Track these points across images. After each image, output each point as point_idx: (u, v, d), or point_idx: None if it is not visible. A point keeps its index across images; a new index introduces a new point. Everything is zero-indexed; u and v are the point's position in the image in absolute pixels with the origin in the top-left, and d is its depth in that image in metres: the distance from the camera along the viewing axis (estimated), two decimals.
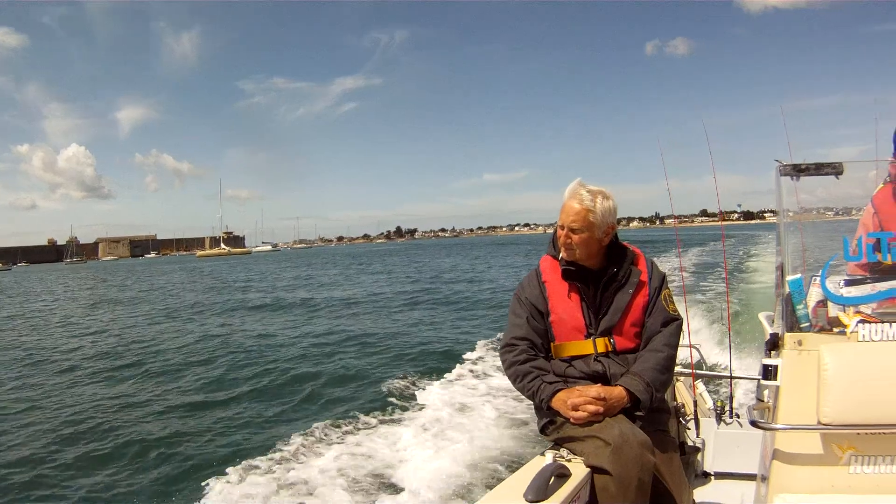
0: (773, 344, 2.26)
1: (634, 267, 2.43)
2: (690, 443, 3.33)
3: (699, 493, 3.30)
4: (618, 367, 2.36)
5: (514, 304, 2.50)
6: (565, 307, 2.40)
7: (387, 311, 19.36)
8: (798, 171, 2.25)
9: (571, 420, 2.27)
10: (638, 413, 2.31)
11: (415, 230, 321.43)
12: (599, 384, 2.33)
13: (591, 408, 2.23)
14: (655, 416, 2.39)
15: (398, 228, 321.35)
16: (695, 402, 3.58)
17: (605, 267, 2.41)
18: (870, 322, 2.17)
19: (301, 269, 49.63)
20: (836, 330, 2.20)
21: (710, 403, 3.94)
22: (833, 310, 2.22)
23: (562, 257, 2.42)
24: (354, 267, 50.30)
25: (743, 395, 5.20)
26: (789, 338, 2.19)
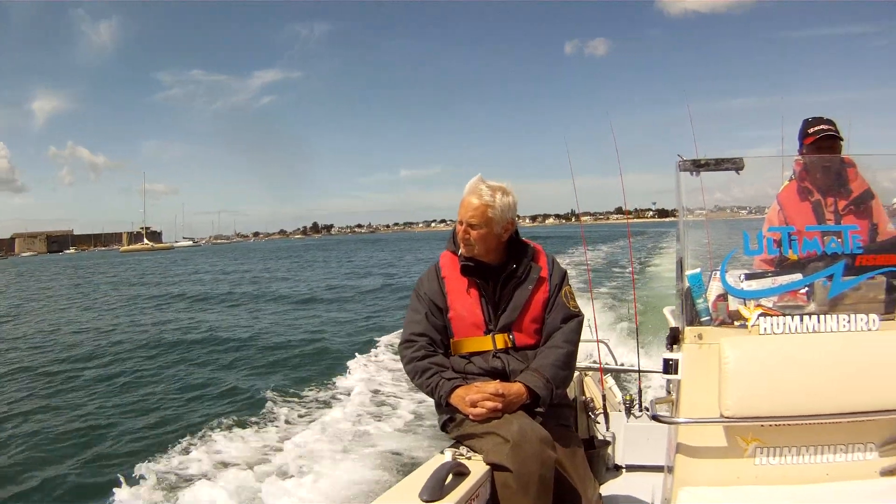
0: (674, 338, 2.23)
1: (534, 263, 2.41)
2: (600, 437, 3.37)
3: (610, 486, 3.32)
4: (517, 364, 2.33)
5: (413, 299, 2.45)
6: (464, 303, 2.36)
7: (292, 310, 19.02)
8: (698, 166, 2.22)
9: (470, 417, 2.23)
10: (538, 409, 2.28)
11: (331, 226, 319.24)
12: (498, 380, 2.29)
13: (490, 404, 2.19)
14: (557, 411, 2.37)
15: (315, 224, 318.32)
16: (603, 397, 3.60)
17: (504, 263, 2.38)
18: (771, 315, 2.15)
19: (252, 264, 48.77)
20: (736, 323, 2.18)
21: (619, 397, 3.97)
22: (734, 303, 2.20)
23: (461, 253, 2.37)
24: (289, 261, 50.26)
25: (658, 388, 5.32)
26: (689, 332, 2.16)
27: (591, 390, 3.81)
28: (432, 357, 2.33)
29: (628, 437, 3.60)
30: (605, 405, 3.56)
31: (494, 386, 2.23)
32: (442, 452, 2.22)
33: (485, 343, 2.34)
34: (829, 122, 2.59)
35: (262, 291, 24.78)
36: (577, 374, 3.67)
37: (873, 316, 2.19)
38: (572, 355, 2.37)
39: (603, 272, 20.61)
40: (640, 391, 3.56)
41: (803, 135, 2.61)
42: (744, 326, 2.16)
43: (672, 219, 2.27)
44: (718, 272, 2.20)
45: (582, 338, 3.39)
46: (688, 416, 2.12)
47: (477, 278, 2.35)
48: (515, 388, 2.24)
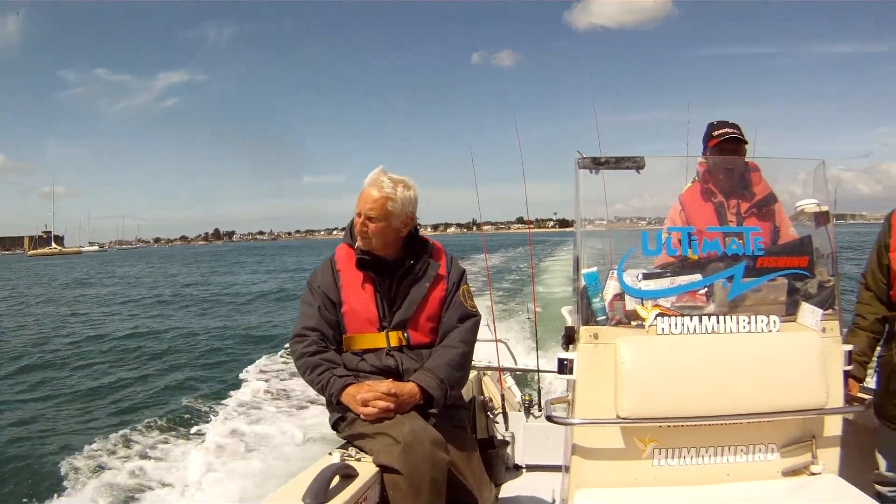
0: (569, 338, 2.18)
1: (433, 260, 2.35)
2: (500, 437, 3.33)
3: (511, 486, 3.30)
4: (411, 363, 2.26)
5: (306, 292, 2.37)
6: (358, 298, 2.29)
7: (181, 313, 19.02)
8: (597, 164, 2.19)
9: (361, 416, 2.16)
10: (432, 410, 2.21)
11: (233, 232, 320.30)
12: (391, 379, 2.22)
13: (382, 404, 2.12)
14: (452, 412, 2.31)
15: (216, 230, 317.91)
16: (502, 397, 3.56)
17: (402, 258, 2.31)
18: (669, 315, 2.11)
19: (189, 268, 48.49)
20: (634, 324, 2.14)
21: (518, 397, 3.94)
22: (631, 303, 2.15)
23: (358, 246, 2.30)
24: (210, 265, 50.60)
25: (561, 388, 5.30)
26: (585, 331, 2.10)
27: (490, 390, 3.77)
28: (324, 353, 2.25)
29: (528, 437, 3.57)
30: (503, 405, 3.52)
31: (387, 385, 2.16)
32: (330, 454, 2.14)
33: (378, 340, 2.27)
34: (734, 125, 2.58)
35: (214, 293, 25.17)
36: (475, 373, 3.64)
37: (774, 317, 2.17)
38: (468, 356, 2.31)
39: (503, 275, 21.28)
40: (539, 391, 3.53)
41: (708, 137, 2.60)
42: (641, 326, 2.12)
43: (572, 229, 2.24)
44: (615, 271, 2.15)
45: (481, 337, 3.35)
46: (583, 418, 2.08)
47: (373, 273, 2.28)
48: (408, 387, 2.18)
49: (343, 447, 2.21)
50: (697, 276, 2.18)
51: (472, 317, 2.35)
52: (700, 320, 2.11)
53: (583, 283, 2.13)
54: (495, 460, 3.23)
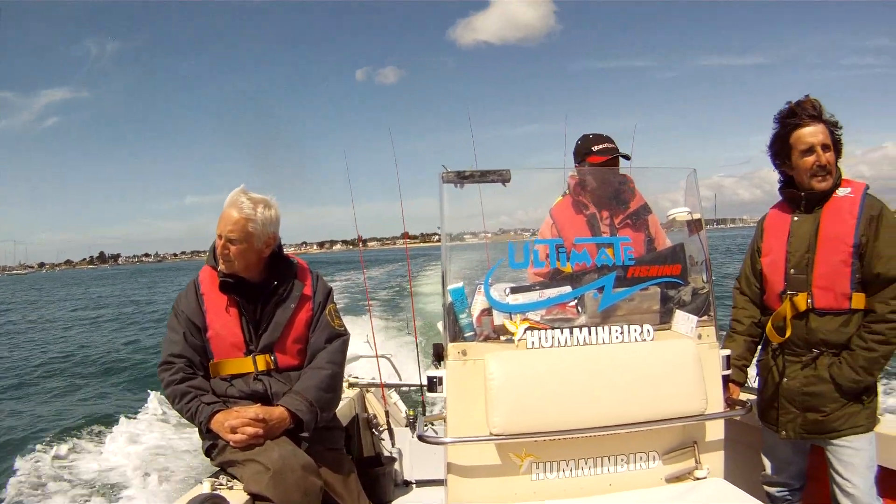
0: (438, 354, 2.14)
1: (297, 280, 2.31)
2: (387, 453, 3.31)
3: (401, 503, 3.27)
4: (280, 386, 2.22)
5: (171, 318, 2.31)
6: (223, 322, 2.24)
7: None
8: (462, 178, 2.16)
9: (231, 443, 2.10)
10: (303, 434, 2.17)
11: (118, 255, 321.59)
12: (260, 404, 2.18)
13: (250, 430, 2.08)
14: (325, 434, 2.28)
15: (101, 254, 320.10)
16: (387, 413, 3.52)
17: (266, 280, 2.27)
18: (538, 329, 2.09)
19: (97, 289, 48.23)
20: (503, 338, 2.10)
21: (404, 413, 3.87)
22: (499, 318, 2.12)
23: (221, 269, 2.25)
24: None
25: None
26: (453, 348, 2.07)
27: (374, 407, 3.72)
28: (191, 380, 2.20)
29: (415, 453, 3.53)
30: (388, 421, 3.48)
31: (255, 410, 2.11)
32: (201, 482, 2.10)
33: (245, 365, 2.22)
34: (609, 139, 2.56)
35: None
36: (358, 390, 3.61)
37: (647, 326, 2.15)
38: (337, 376, 2.27)
39: (388, 290, 21.46)
40: (423, 406, 3.50)
41: (585, 151, 2.54)
42: (510, 341, 2.08)
43: (459, 242, 2.21)
44: (482, 286, 2.12)
45: (364, 354, 3.30)
46: (455, 435, 2.04)
47: (237, 296, 2.24)
48: (277, 412, 2.13)
49: (215, 475, 2.17)
50: (567, 289, 2.16)
51: (339, 336, 2.32)
52: (571, 332, 2.09)
53: (449, 298, 2.09)
54: (383, 478, 3.19)
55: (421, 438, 2.09)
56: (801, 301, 2.17)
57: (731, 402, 2.33)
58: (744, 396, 2.48)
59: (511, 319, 2.11)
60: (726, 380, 2.30)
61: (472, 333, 2.10)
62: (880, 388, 2.32)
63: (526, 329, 2.08)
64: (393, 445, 3.46)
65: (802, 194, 2.22)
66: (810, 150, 2.16)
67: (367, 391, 3.73)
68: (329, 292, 2.37)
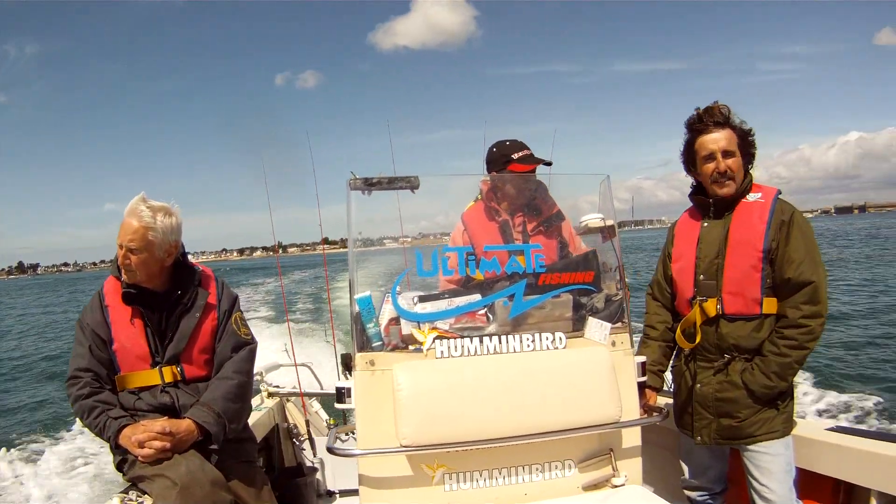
0: (346, 364, 2.12)
1: (202, 289, 2.27)
2: (309, 463, 3.27)
3: None
4: (188, 398, 2.18)
5: (77, 331, 2.27)
6: (128, 334, 2.20)
7: None
8: (369, 185, 2.14)
9: (139, 458, 2.07)
10: (212, 446, 2.14)
11: (37, 265, 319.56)
12: (167, 417, 2.14)
13: (158, 444, 2.04)
14: (236, 447, 2.24)
15: (20, 264, 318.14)
16: (307, 422, 3.49)
17: (170, 289, 2.23)
18: (447, 338, 2.06)
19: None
20: (411, 348, 2.08)
21: (325, 421, 3.88)
22: (407, 327, 2.09)
23: (123, 279, 2.21)
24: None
25: None
26: (360, 358, 2.04)
27: (295, 416, 3.68)
28: (98, 394, 2.15)
29: (337, 462, 3.48)
30: (309, 431, 3.46)
31: (161, 424, 2.07)
32: (111, 499, 2.07)
33: (152, 377, 2.19)
34: (526, 145, 2.52)
35: None
36: (278, 400, 3.56)
37: (559, 334, 2.13)
38: (245, 386, 2.24)
39: (308, 297, 21.32)
40: (344, 414, 3.47)
41: (506, 160, 2.48)
42: (419, 350, 2.06)
43: (371, 248, 2.18)
44: (390, 294, 2.09)
45: (283, 362, 3.25)
46: (365, 447, 2.01)
47: (141, 307, 2.20)
48: (185, 425, 2.10)
49: (126, 490, 2.13)
50: (477, 297, 2.14)
51: (246, 345, 2.29)
52: (481, 341, 2.07)
53: (356, 308, 2.06)
54: (304, 488, 3.16)
55: (330, 451, 2.06)
56: (711, 307, 2.16)
57: (648, 409, 2.32)
58: (662, 401, 2.47)
59: (419, 328, 2.08)
60: (643, 386, 2.30)
61: (379, 343, 2.08)
62: (797, 392, 2.32)
63: (434, 338, 2.06)
64: (315, 455, 3.43)
65: (711, 200, 2.21)
66: (711, 156, 2.16)
67: (288, 400, 3.69)
68: (234, 300, 2.33)
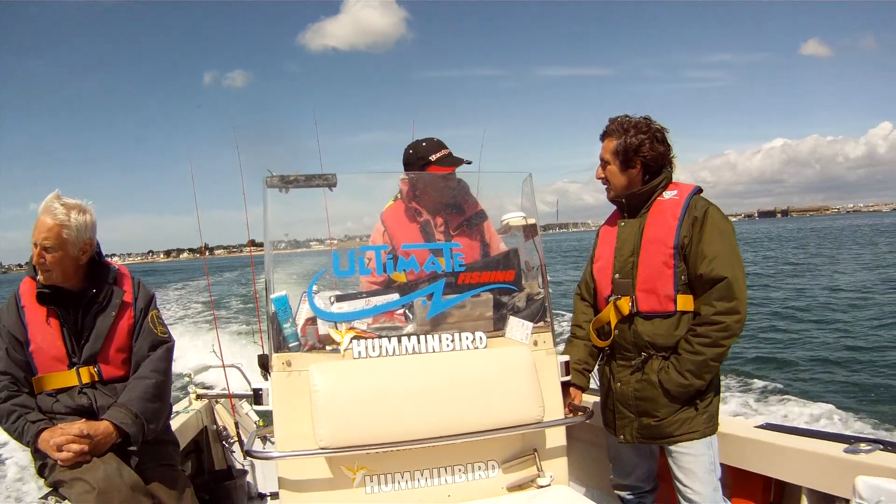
0: (263, 365, 2.12)
1: (117, 287, 2.25)
2: (239, 466, 3.23)
3: None
4: (106, 399, 2.16)
5: None
6: (45, 335, 2.17)
7: None
8: (286, 182, 2.13)
9: (58, 462, 2.05)
10: (131, 448, 2.12)
11: None
12: (84, 419, 2.11)
13: (76, 447, 2.02)
14: (157, 450, 2.22)
15: None
16: (237, 424, 3.44)
17: (85, 288, 2.21)
18: (365, 338, 2.05)
19: None
20: (328, 348, 2.06)
21: (255, 423, 3.80)
22: (324, 327, 2.08)
23: (39, 279, 2.19)
24: None
25: None
26: (277, 359, 2.02)
27: (224, 418, 3.65)
28: (16, 398, 2.12)
29: (268, 464, 3.42)
30: (238, 433, 3.41)
31: (79, 427, 2.05)
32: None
33: (70, 378, 2.16)
34: (444, 144, 2.51)
35: None
36: (206, 402, 3.53)
37: (480, 333, 2.13)
38: (163, 385, 2.22)
39: (238, 298, 21.21)
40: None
41: (425, 162, 2.46)
42: (336, 351, 2.04)
43: (305, 249, 2.16)
44: (306, 294, 2.07)
45: (212, 364, 3.21)
46: (283, 450, 1.99)
47: (56, 306, 2.18)
48: (102, 427, 2.07)
49: (46, 496, 2.11)
50: (395, 296, 2.13)
51: (163, 343, 2.27)
52: (399, 341, 2.06)
53: (272, 308, 2.04)
54: (234, 491, 3.13)
55: (248, 454, 2.04)
56: (625, 305, 2.16)
57: (574, 408, 2.30)
58: (592, 400, 2.46)
59: (336, 328, 2.07)
60: (567, 385, 2.29)
61: (296, 343, 2.06)
62: (721, 390, 2.30)
63: (352, 338, 2.05)
64: (245, 458, 3.38)
65: (623, 201, 2.23)
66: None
67: (217, 402, 3.65)
68: (151, 298, 2.31)
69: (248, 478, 3.32)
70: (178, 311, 19.42)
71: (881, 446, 2.03)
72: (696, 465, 2.12)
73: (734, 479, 2.36)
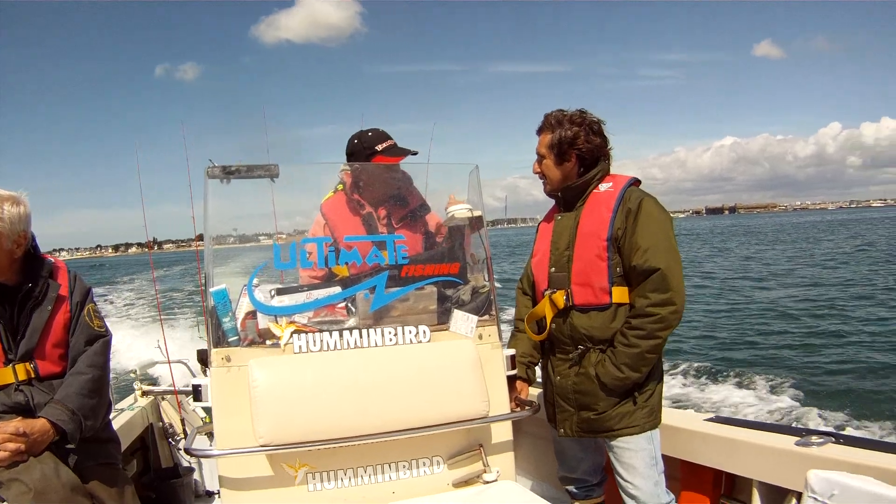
0: (203, 361, 2.09)
1: (53, 281, 2.20)
2: (185, 463, 3.19)
3: None
4: (43, 396, 2.10)
5: None
6: None
7: None
8: (227, 172, 2.10)
9: None
10: (70, 446, 2.07)
11: None
12: (21, 417, 2.05)
13: (12, 446, 1.94)
14: (97, 448, 2.16)
15: None
16: (183, 421, 3.41)
17: (20, 282, 2.15)
18: (306, 332, 2.02)
19: None
20: (268, 343, 2.04)
21: (202, 420, 3.79)
22: (264, 321, 2.05)
23: None
24: None
25: None
26: (216, 354, 1.99)
27: (170, 415, 3.60)
28: None
29: (214, 461, 3.43)
30: (185, 430, 3.39)
31: (14, 425, 1.98)
32: None
33: (5, 375, 2.10)
34: (389, 135, 2.47)
35: None
36: (152, 399, 3.48)
37: (423, 327, 2.11)
38: (100, 380, 2.17)
39: (184, 293, 21.47)
40: None
41: (371, 152, 2.43)
42: (277, 345, 2.01)
43: (248, 244, 2.13)
44: (247, 287, 2.04)
45: (158, 360, 3.16)
46: (223, 447, 1.95)
47: None
48: (39, 424, 2.01)
49: None
50: (337, 289, 2.11)
51: (100, 338, 2.22)
52: (341, 335, 2.04)
53: (211, 301, 2.01)
54: (180, 489, 3.09)
55: (188, 452, 2.00)
56: (560, 298, 2.13)
57: (520, 402, 2.28)
58: (538, 393, 2.45)
59: (277, 322, 2.04)
60: (514, 379, 2.28)
61: (236, 338, 2.03)
62: (665, 382, 2.30)
63: (292, 332, 2.02)
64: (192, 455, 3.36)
65: (559, 194, 2.22)
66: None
67: (163, 399, 3.60)
68: (87, 292, 2.26)
69: (196, 475, 3.28)
70: (126, 307, 19.22)
71: (833, 439, 2.02)
72: (636, 459, 2.11)
73: (684, 473, 2.35)
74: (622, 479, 2.13)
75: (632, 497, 2.12)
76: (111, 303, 21.01)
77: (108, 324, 2.28)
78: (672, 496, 2.18)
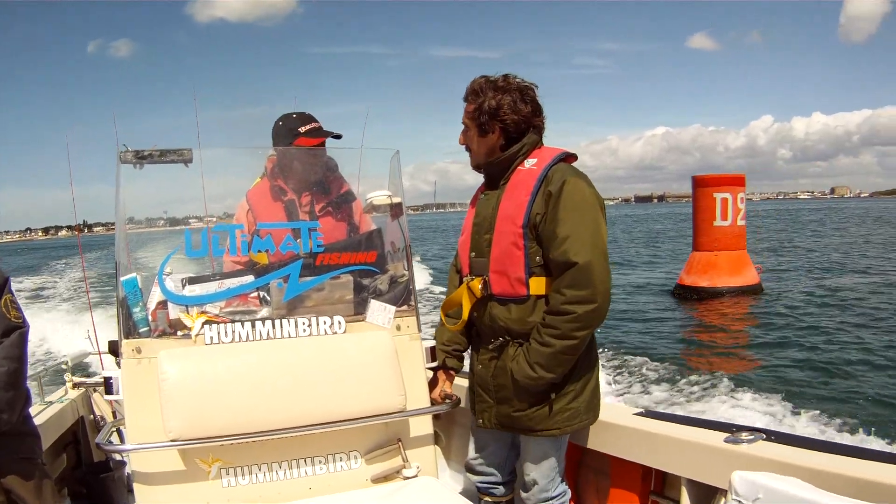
0: (115, 352, 2.05)
1: None
2: (118, 457, 3.10)
3: None
4: None
5: None
6: None
7: None
8: (140, 158, 2.06)
9: None
10: None
11: None
12: None
13: None
14: (13, 443, 2.12)
15: None
16: (114, 413, 3.33)
17: None
18: (217, 323, 2.00)
19: None
20: (180, 333, 2.00)
21: None
22: (175, 311, 2.02)
23: None
24: None
25: None
26: (127, 345, 1.96)
27: (102, 407, 3.54)
28: None
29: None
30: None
31: None
32: None
33: None
34: (314, 118, 2.38)
35: None
36: (83, 391, 3.44)
37: (339, 318, 2.07)
38: (16, 373, 2.11)
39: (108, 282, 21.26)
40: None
41: (294, 134, 2.35)
42: (188, 337, 1.99)
43: (180, 227, 2.11)
44: (157, 276, 2.03)
45: (89, 350, 3.13)
46: (134, 442, 1.92)
47: None
48: None
49: None
50: (249, 278, 2.07)
51: (16, 329, 2.16)
52: (253, 326, 2.00)
53: (122, 291, 1.99)
54: (112, 483, 3.07)
55: (98, 447, 1.99)
56: (476, 286, 2.01)
57: (445, 395, 2.20)
58: (464, 385, 2.40)
59: (188, 313, 2.02)
60: (438, 370, 2.23)
61: (147, 329, 2.00)
62: (600, 380, 2.20)
63: (203, 323, 1.99)
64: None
65: (482, 169, 2.06)
66: None
67: (94, 391, 3.55)
68: (5, 282, 2.21)
69: (128, 469, 3.21)
70: (58, 294, 18.64)
71: (764, 436, 1.91)
72: (542, 458, 2.06)
73: (614, 468, 2.27)
74: (523, 471, 2.11)
75: (524, 485, 2.10)
76: (43, 289, 20.24)
77: (25, 315, 2.26)
78: (565, 487, 2.13)
